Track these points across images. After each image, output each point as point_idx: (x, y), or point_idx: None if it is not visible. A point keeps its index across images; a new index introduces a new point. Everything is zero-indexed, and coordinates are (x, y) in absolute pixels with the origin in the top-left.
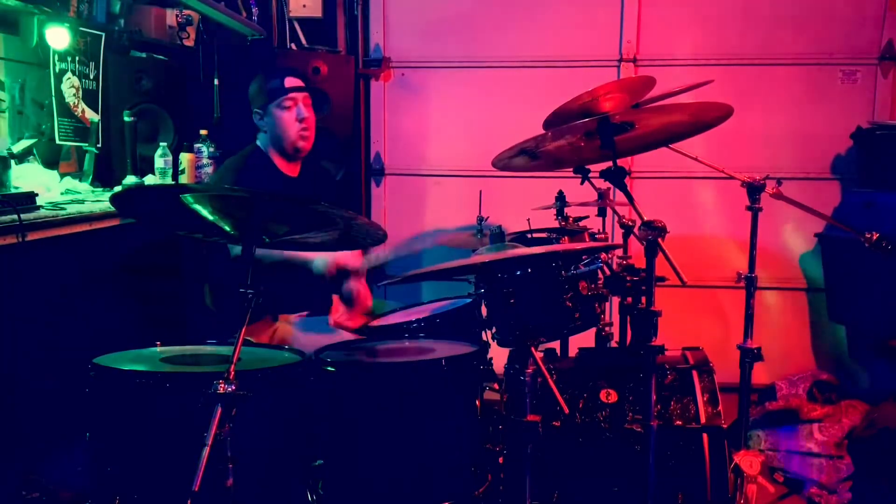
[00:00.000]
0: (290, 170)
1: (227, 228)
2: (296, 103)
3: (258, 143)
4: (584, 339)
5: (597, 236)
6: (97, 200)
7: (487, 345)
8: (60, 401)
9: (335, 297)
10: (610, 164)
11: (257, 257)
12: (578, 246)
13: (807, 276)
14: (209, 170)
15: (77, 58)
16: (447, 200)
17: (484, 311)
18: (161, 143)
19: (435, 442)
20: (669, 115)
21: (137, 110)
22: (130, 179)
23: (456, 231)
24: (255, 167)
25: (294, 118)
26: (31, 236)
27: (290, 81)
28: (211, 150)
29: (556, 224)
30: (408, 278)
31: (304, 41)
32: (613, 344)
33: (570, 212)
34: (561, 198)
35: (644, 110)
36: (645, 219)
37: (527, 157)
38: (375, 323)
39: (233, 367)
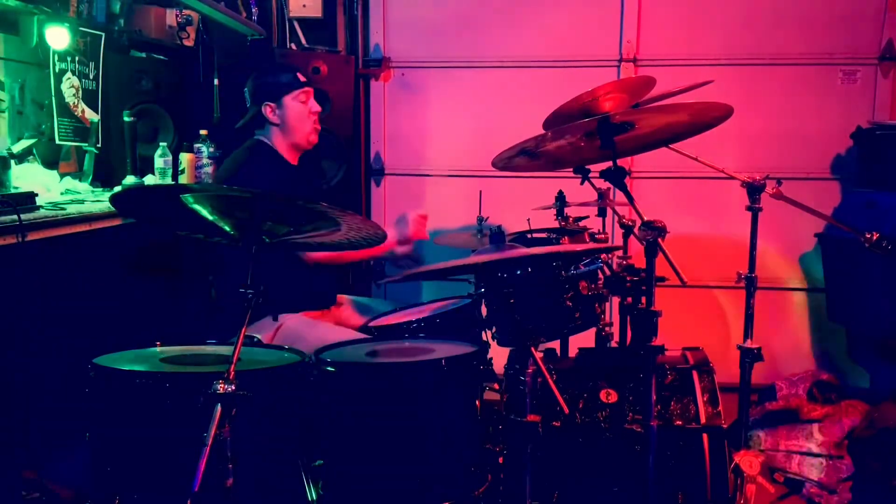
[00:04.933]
0: (293, 160)
1: (227, 228)
2: (309, 97)
3: (260, 137)
4: (584, 339)
5: (597, 236)
6: (97, 200)
7: (487, 345)
8: (60, 401)
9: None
10: (610, 164)
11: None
12: (578, 247)
13: (807, 276)
14: (209, 170)
15: (77, 58)
16: (447, 200)
17: (484, 311)
18: (161, 143)
19: (434, 442)
20: (669, 115)
21: (137, 110)
22: (130, 179)
23: (456, 231)
24: (263, 159)
25: (309, 111)
26: (31, 236)
27: (301, 75)
28: (211, 150)
29: (556, 224)
30: (408, 277)
31: (304, 41)
32: (613, 344)
33: (570, 212)
34: (561, 198)
35: (644, 110)
36: (645, 219)
37: (527, 157)
38: (375, 323)
39: (233, 367)
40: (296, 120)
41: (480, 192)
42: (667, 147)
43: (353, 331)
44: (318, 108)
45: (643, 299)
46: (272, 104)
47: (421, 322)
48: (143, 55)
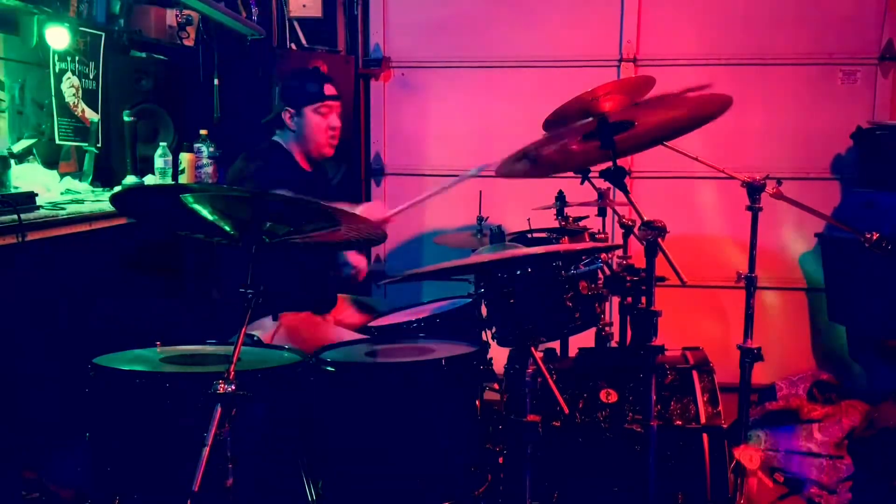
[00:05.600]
0: (306, 165)
1: (227, 228)
2: (331, 111)
3: (277, 139)
4: (584, 339)
5: (597, 236)
6: (97, 200)
7: (487, 345)
8: (60, 401)
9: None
10: (609, 164)
11: None
12: (578, 246)
13: (807, 276)
14: (209, 170)
15: (77, 58)
16: (447, 200)
17: (484, 311)
18: (161, 143)
19: (434, 442)
20: (668, 110)
21: (137, 110)
22: (130, 179)
23: (456, 231)
24: (277, 162)
25: (327, 125)
26: (31, 236)
27: (328, 89)
28: (211, 150)
29: (556, 224)
30: (408, 278)
31: (304, 41)
32: (613, 344)
33: (570, 212)
34: (561, 198)
35: (643, 106)
36: (645, 219)
37: (528, 163)
38: (375, 323)
39: (233, 367)
40: (310, 131)
41: (480, 192)
42: (667, 146)
43: (353, 332)
44: (337, 123)
45: (643, 299)
46: (291, 110)
47: (421, 322)
48: (143, 55)
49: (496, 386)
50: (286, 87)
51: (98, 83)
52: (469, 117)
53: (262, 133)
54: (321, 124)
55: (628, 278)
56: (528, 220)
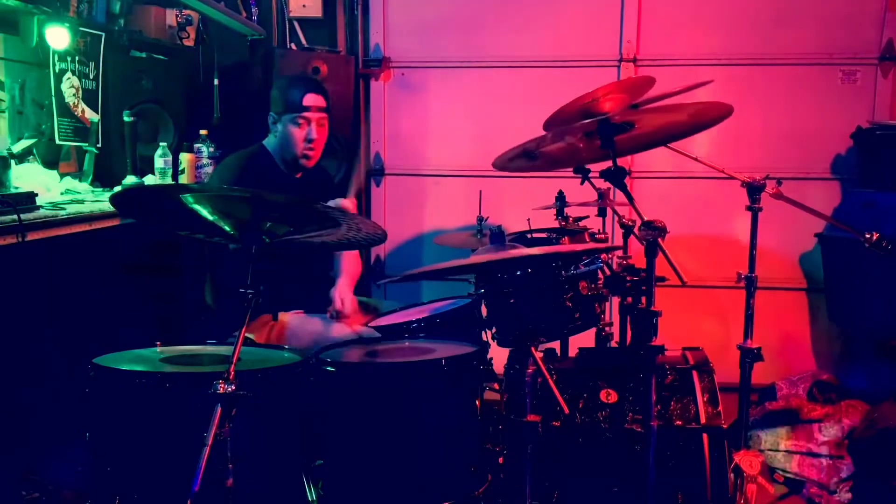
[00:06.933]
0: (292, 171)
1: (227, 228)
2: (308, 123)
3: (265, 143)
4: (584, 339)
5: (597, 236)
6: (97, 200)
7: (487, 345)
8: (60, 401)
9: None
10: (610, 163)
11: None
12: (578, 246)
13: (807, 276)
14: (209, 170)
15: (77, 58)
16: (447, 200)
17: (484, 311)
18: (161, 143)
19: (435, 442)
20: (669, 115)
21: (137, 110)
22: (130, 179)
23: (456, 231)
24: (256, 166)
25: (303, 136)
26: (31, 236)
27: (309, 99)
28: (211, 150)
29: (556, 224)
30: (408, 277)
31: (303, 41)
32: (613, 344)
33: (570, 212)
34: (561, 198)
35: (644, 111)
36: (645, 219)
37: (527, 159)
38: (375, 323)
39: (233, 367)
40: (285, 140)
41: (480, 192)
42: (667, 147)
43: (347, 326)
44: (316, 135)
45: (643, 299)
46: (274, 116)
47: (421, 322)
48: (143, 55)
49: (496, 386)
50: (274, 92)
51: (98, 83)
52: (469, 117)
53: (262, 134)
54: (297, 135)
55: (628, 278)
56: (528, 220)
